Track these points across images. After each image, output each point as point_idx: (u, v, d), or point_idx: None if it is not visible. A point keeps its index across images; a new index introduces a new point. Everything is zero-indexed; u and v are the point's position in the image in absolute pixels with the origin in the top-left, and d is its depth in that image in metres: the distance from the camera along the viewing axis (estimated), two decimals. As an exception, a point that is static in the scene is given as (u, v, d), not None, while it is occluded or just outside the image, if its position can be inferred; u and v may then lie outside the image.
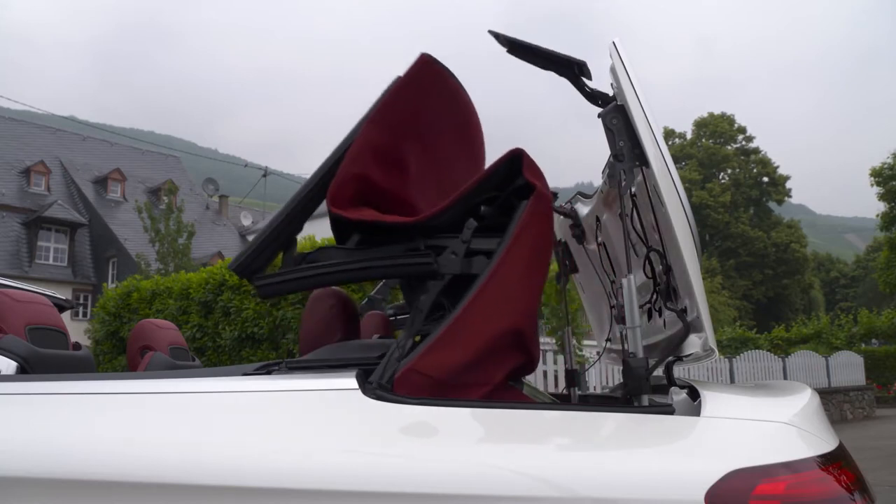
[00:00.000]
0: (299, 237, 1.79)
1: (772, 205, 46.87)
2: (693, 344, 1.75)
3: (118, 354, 8.65)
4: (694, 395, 1.52)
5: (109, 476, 1.32)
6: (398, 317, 2.97)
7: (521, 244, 1.57)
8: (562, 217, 2.61)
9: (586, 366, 8.00)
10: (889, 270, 23.66)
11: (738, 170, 45.99)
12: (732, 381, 12.92)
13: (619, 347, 2.51)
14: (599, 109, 1.68)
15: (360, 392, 1.39)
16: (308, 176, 1.73)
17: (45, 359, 2.04)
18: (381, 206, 1.72)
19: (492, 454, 1.34)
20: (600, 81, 1.73)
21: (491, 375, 1.58)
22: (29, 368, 1.98)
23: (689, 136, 47.12)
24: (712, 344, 1.72)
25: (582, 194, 2.55)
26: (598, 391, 7.79)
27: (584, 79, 1.72)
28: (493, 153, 1.80)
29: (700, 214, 40.78)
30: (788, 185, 46.62)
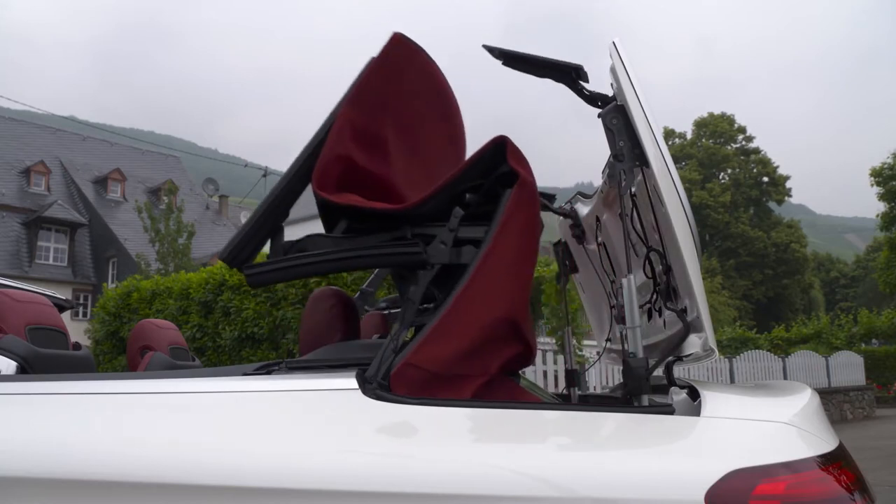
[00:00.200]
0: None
1: (772, 205, 46.84)
2: (693, 344, 1.75)
3: (118, 354, 8.65)
4: (694, 395, 1.52)
5: (109, 476, 1.31)
6: (391, 311, 2.96)
7: (508, 232, 1.57)
8: (562, 217, 2.61)
9: (586, 366, 7.98)
10: (889, 270, 23.65)
11: (738, 170, 45.97)
12: (732, 381, 12.92)
13: (619, 347, 2.51)
14: (599, 110, 1.68)
15: (359, 392, 1.39)
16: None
17: (45, 359, 2.04)
18: (365, 187, 1.71)
19: (492, 454, 1.34)
20: (600, 82, 1.72)
21: (487, 366, 1.58)
22: (29, 368, 1.98)
23: (689, 136, 47.12)
24: (712, 344, 1.72)
25: (582, 194, 2.54)
26: (598, 391, 7.78)
27: (582, 82, 1.72)
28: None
29: (700, 214, 40.76)
30: (788, 185, 46.65)
